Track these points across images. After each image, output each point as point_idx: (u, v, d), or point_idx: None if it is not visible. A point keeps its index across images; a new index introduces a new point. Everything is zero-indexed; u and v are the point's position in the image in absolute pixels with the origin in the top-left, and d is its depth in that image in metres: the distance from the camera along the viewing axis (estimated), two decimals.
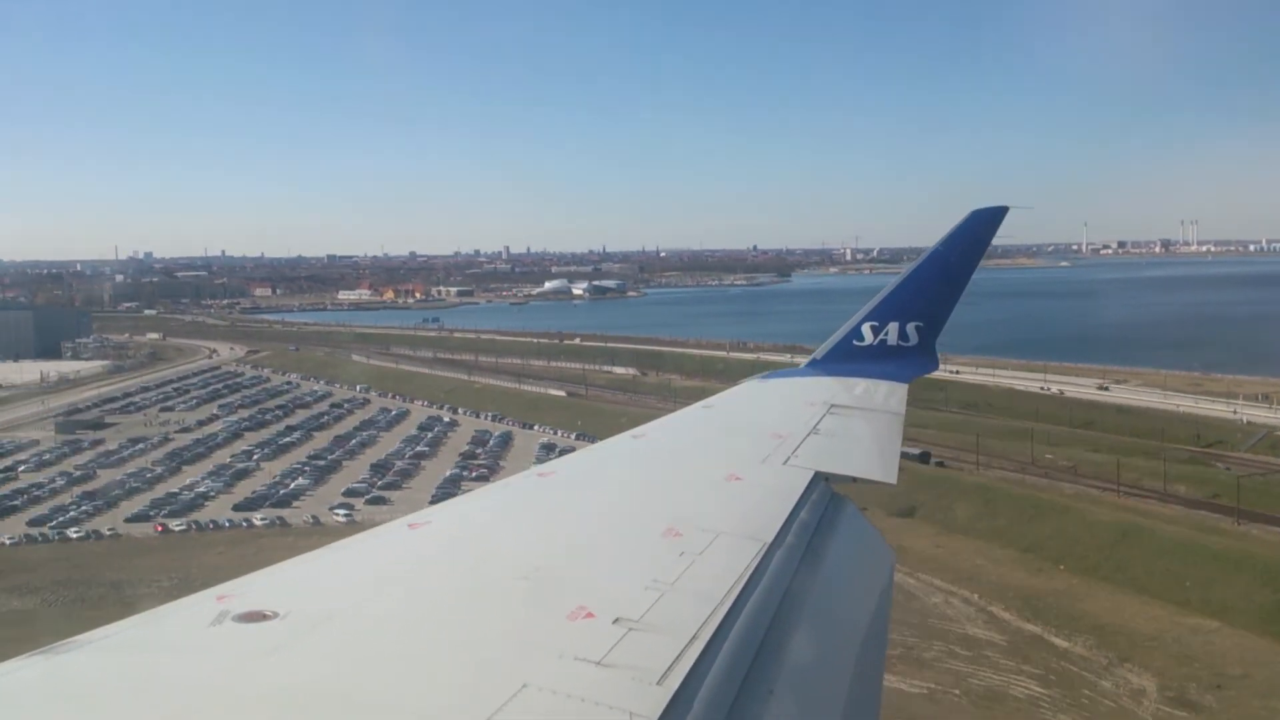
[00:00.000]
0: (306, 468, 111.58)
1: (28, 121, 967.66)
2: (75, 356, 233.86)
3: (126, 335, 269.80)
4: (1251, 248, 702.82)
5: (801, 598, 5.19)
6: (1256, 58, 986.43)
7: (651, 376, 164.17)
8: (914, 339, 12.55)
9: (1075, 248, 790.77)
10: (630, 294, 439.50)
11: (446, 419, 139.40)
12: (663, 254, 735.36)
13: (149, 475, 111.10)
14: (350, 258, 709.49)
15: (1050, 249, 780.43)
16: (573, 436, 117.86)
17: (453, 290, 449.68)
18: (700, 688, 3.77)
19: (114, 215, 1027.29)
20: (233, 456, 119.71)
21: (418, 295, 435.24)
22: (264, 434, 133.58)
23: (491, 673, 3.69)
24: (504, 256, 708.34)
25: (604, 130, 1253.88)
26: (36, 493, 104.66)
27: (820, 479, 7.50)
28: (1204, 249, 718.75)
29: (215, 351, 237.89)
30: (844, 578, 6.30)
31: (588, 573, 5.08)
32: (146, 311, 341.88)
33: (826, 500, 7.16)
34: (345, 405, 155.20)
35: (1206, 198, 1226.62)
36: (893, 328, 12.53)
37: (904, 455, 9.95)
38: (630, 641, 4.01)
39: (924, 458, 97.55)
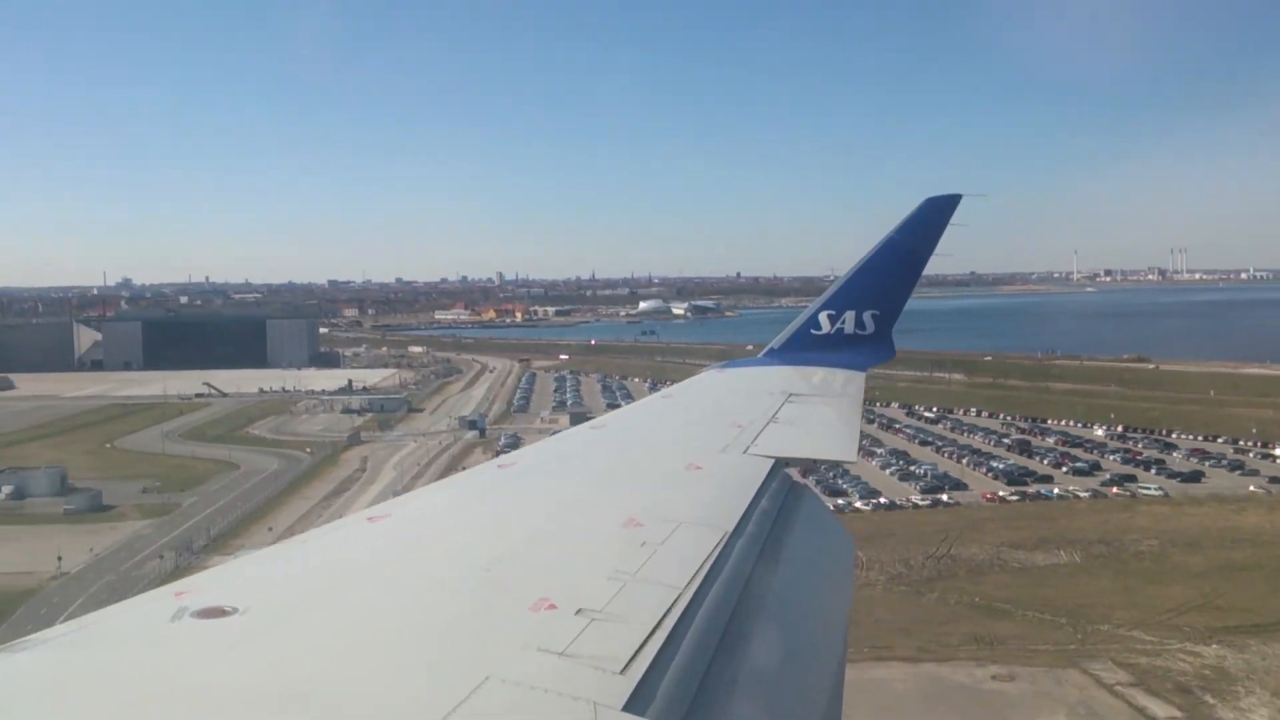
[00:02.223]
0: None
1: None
2: (350, 365, 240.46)
3: (384, 349, 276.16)
4: (1244, 275, 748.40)
5: (764, 586, 5.30)
6: (1240, 88, 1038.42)
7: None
8: (871, 327, 12.65)
9: (1058, 275, 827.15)
10: (728, 314, 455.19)
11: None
12: (655, 280, 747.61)
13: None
14: (349, 283, 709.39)
15: (1034, 276, 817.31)
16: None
17: (551, 310, 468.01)
18: (664, 677, 3.78)
19: (86, 243, 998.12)
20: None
21: (519, 315, 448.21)
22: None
23: (454, 665, 3.66)
24: (496, 282, 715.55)
25: (584, 159, 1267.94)
26: None
27: (781, 467, 7.61)
28: (1197, 276, 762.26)
29: (484, 363, 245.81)
30: (806, 565, 6.39)
31: (549, 564, 5.10)
32: (321, 330, 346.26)
33: (787, 488, 7.27)
34: None
35: (1190, 227, 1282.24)
36: (849, 316, 12.62)
37: None
38: (593, 632, 4.01)
39: None
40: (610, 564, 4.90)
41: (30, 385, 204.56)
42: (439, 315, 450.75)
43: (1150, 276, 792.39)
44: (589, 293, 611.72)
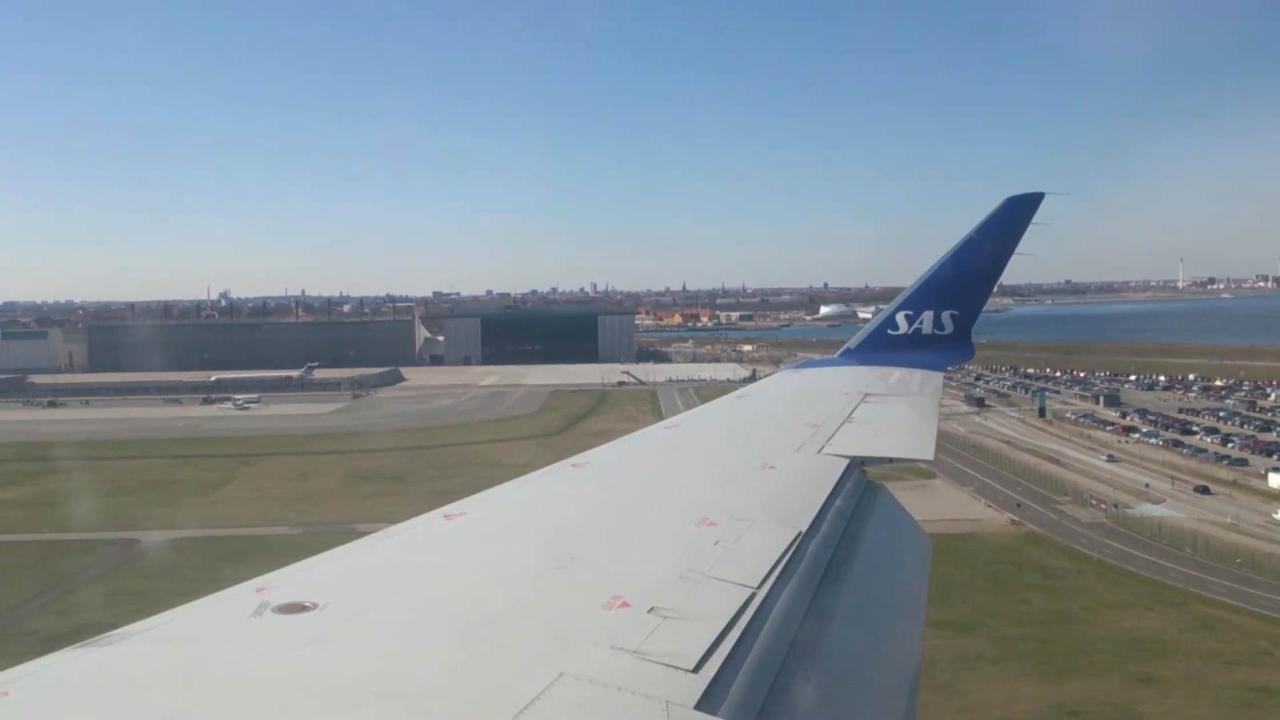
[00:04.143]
0: None
1: (82, 166, 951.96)
2: (675, 361, 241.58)
3: (710, 347, 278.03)
4: None
5: (838, 585, 5.26)
6: None
7: None
8: (949, 327, 12.42)
9: (1155, 283, 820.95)
10: None
11: None
12: (748, 290, 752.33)
13: None
14: (449, 294, 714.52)
15: (1131, 284, 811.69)
16: None
17: (734, 315, 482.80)
18: (736, 675, 3.78)
19: (185, 258, 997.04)
20: None
21: (705, 319, 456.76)
22: None
23: (528, 661, 3.68)
24: (590, 293, 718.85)
25: (662, 177, 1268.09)
26: None
27: (856, 467, 7.56)
28: None
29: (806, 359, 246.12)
30: (881, 565, 6.33)
31: (622, 562, 5.10)
32: None
33: (862, 488, 7.25)
34: None
35: None
36: (927, 316, 12.43)
37: None
38: (666, 630, 4.00)
39: None
40: (683, 562, 4.89)
41: (417, 378, 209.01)
42: None
43: (1261, 284, 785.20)
44: (716, 300, 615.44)
